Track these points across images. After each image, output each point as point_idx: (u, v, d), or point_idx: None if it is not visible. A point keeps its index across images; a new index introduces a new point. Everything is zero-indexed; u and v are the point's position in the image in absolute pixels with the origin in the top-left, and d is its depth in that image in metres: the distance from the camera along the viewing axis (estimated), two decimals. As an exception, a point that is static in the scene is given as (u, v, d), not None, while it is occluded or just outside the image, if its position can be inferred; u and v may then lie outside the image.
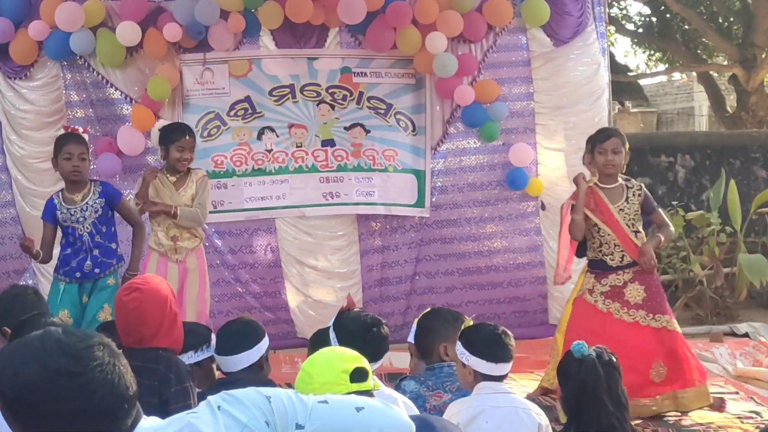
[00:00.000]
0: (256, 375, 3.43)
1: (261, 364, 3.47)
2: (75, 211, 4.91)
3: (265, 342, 3.51)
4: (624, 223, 4.91)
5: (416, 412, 3.12)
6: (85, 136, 5.16)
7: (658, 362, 4.85)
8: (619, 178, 5.03)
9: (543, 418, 3.15)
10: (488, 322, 3.44)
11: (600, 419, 2.84)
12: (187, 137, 5.36)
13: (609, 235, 4.90)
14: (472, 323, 3.34)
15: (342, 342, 3.15)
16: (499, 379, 3.21)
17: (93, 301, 4.92)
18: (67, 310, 4.89)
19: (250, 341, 3.46)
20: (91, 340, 1.57)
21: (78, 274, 4.94)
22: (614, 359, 2.95)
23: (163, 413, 2.68)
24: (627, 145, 5.04)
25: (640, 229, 4.98)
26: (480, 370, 3.18)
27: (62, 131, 5.27)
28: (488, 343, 3.21)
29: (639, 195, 4.99)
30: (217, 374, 3.68)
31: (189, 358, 3.49)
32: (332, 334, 3.27)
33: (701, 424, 4.80)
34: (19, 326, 3.04)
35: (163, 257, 5.32)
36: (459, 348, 3.25)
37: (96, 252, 4.96)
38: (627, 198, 4.96)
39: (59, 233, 5.12)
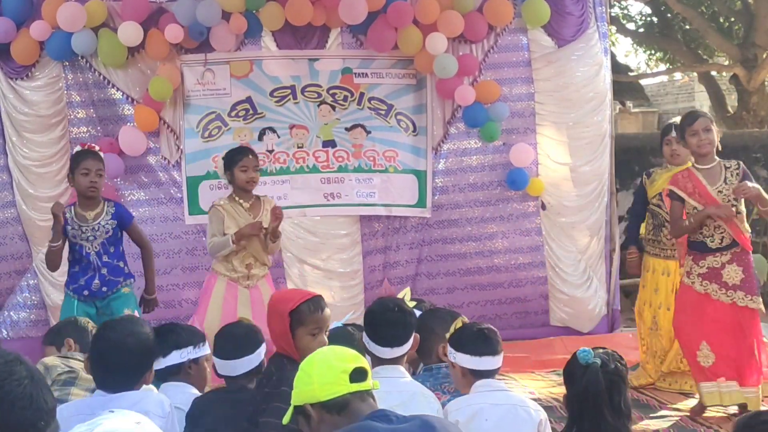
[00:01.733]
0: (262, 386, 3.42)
1: (261, 368, 3.44)
2: (86, 229, 4.87)
3: (263, 347, 3.49)
4: (724, 203, 4.85)
5: (438, 406, 3.15)
6: (101, 154, 5.10)
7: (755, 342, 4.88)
8: (716, 158, 4.96)
9: (542, 413, 3.17)
10: (476, 323, 3.48)
11: (600, 427, 2.85)
12: (250, 156, 5.21)
13: (711, 219, 4.85)
14: (461, 325, 3.35)
15: (365, 323, 3.24)
16: (490, 374, 3.21)
17: (115, 309, 4.86)
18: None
19: (252, 346, 3.45)
20: (10, 356, 1.68)
21: (86, 293, 4.90)
22: (621, 367, 2.93)
23: None
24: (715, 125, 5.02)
25: (742, 209, 4.92)
26: (466, 366, 3.19)
27: (77, 150, 5.18)
28: (471, 339, 3.23)
29: (737, 174, 4.93)
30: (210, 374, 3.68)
31: (188, 353, 3.49)
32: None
33: (702, 425, 4.80)
34: (106, 325, 3.09)
35: (233, 282, 5.20)
36: (448, 349, 3.28)
37: (104, 271, 4.92)
38: (725, 178, 4.91)
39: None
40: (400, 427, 2.18)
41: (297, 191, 6.56)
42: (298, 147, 6.58)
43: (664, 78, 22.07)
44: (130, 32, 6.08)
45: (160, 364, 3.50)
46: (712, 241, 4.87)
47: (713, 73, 16.23)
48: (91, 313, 4.83)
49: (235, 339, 3.45)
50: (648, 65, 20.08)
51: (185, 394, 3.37)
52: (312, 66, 6.55)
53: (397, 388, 3.11)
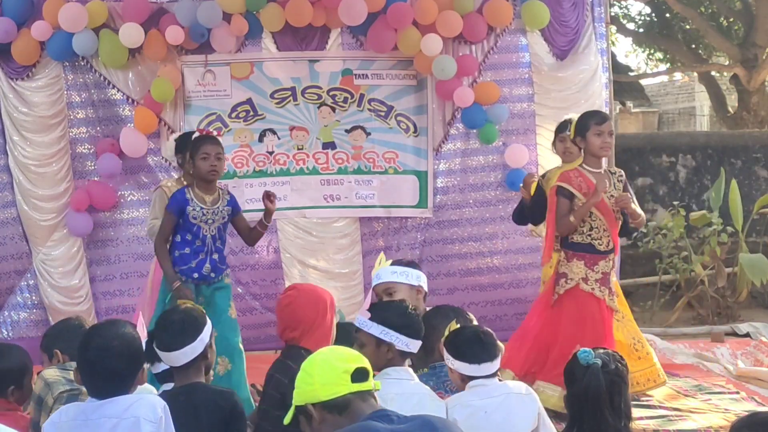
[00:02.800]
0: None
1: (206, 353, 3.26)
2: (207, 212, 4.81)
3: (208, 328, 3.28)
4: (612, 209, 4.86)
5: (443, 406, 3.15)
6: (219, 138, 5.06)
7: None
8: (603, 164, 4.97)
9: (535, 396, 3.25)
10: (471, 325, 3.49)
11: (600, 428, 2.86)
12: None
13: (600, 220, 4.83)
14: (456, 326, 3.36)
15: (385, 322, 3.24)
16: (489, 377, 3.24)
17: (219, 302, 4.80)
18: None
19: (193, 332, 3.22)
20: None
21: (195, 275, 4.80)
22: (621, 367, 2.94)
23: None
24: None
25: (620, 216, 4.94)
26: (465, 373, 3.22)
27: (195, 136, 5.10)
28: (469, 345, 3.24)
29: (621, 182, 4.95)
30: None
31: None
32: (370, 325, 3.30)
33: (702, 425, 4.80)
34: (90, 332, 3.03)
35: None
36: (444, 353, 3.31)
37: (215, 256, 4.86)
38: (613, 184, 4.91)
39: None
40: (401, 427, 2.19)
41: (297, 193, 6.57)
42: (298, 149, 6.59)
43: (665, 78, 22.09)
44: (131, 33, 6.09)
45: (161, 367, 3.49)
46: (601, 244, 4.84)
47: (713, 73, 16.24)
48: (193, 297, 4.65)
49: (173, 326, 3.22)
50: (647, 65, 20.07)
51: None
52: (312, 67, 6.56)
53: (408, 390, 3.13)
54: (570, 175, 4.87)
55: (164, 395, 3.15)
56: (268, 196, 4.93)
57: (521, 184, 5.62)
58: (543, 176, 5.58)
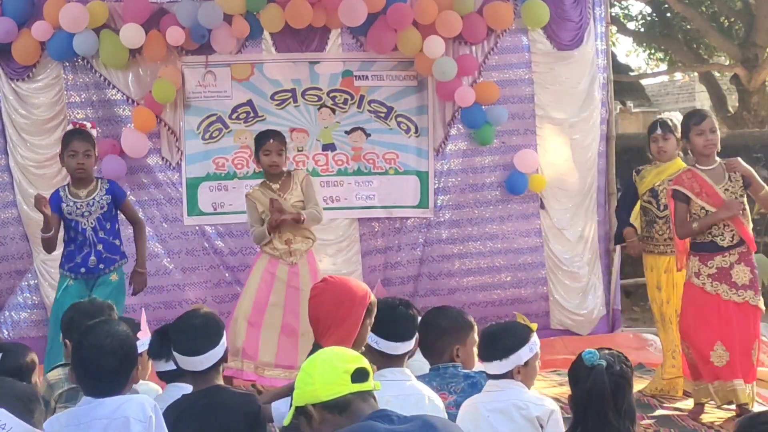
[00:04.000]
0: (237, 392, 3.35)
1: (225, 357, 3.26)
2: (81, 205, 4.89)
3: (225, 335, 3.27)
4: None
5: (442, 407, 3.15)
6: (93, 132, 5.15)
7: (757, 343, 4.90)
8: (717, 158, 4.98)
9: (539, 410, 3.12)
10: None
11: (603, 429, 2.85)
12: (272, 140, 5.35)
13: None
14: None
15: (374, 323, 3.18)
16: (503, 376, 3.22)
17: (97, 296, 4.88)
18: None
19: (216, 337, 3.21)
20: None
21: (83, 270, 4.91)
22: (626, 368, 2.93)
23: None
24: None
25: (746, 205, 4.96)
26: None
27: (67, 129, 5.24)
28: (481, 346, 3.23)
29: (737, 171, 4.98)
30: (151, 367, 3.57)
31: None
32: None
33: (704, 424, 4.80)
34: (83, 332, 3.02)
35: (274, 259, 5.34)
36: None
37: (100, 247, 4.93)
38: (729, 177, 4.94)
39: (61, 230, 5.08)
40: (402, 427, 2.19)
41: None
42: (298, 150, 6.59)
43: (665, 78, 22.09)
44: (131, 34, 6.09)
45: (164, 366, 3.49)
46: (723, 240, 4.85)
47: (714, 73, 16.24)
48: (83, 296, 4.69)
49: (196, 331, 3.18)
50: (648, 65, 20.07)
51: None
52: (312, 69, 6.56)
53: (404, 392, 3.12)
54: (683, 177, 4.95)
55: (184, 398, 3.16)
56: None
57: (625, 243, 5.63)
58: (637, 171, 5.60)
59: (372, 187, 6.66)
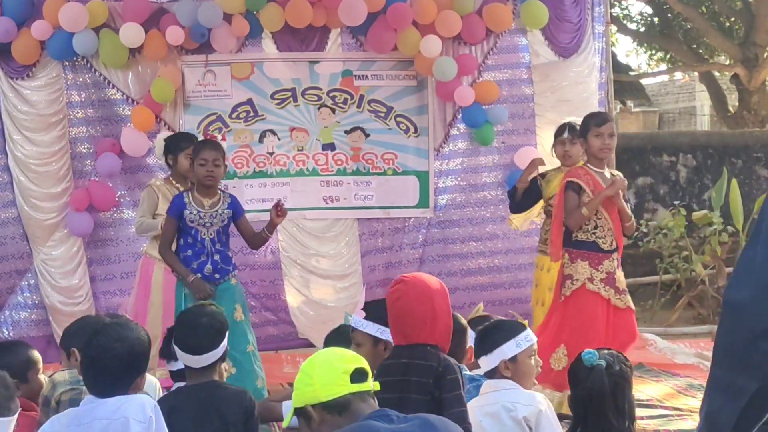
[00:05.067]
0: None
1: (224, 357, 3.30)
2: (204, 215, 4.87)
3: (227, 334, 3.30)
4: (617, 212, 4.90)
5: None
6: (223, 144, 5.13)
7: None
8: (606, 168, 4.99)
9: (525, 411, 3.11)
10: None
11: (603, 429, 2.85)
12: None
13: (605, 218, 4.86)
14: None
15: (381, 321, 3.18)
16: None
17: (224, 304, 4.65)
18: None
19: (220, 336, 3.25)
20: None
21: (198, 275, 4.85)
22: (625, 368, 2.93)
23: (438, 408, 2.77)
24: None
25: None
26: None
27: (199, 140, 5.17)
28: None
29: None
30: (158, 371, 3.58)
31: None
32: (365, 324, 3.24)
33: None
34: (96, 331, 3.02)
35: (169, 272, 5.21)
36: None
37: (217, 257, 4.91)
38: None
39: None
40: (401, 426, 2.19)
41: (297, 194, 6.57)
42: (298, 150, 6.59)
43: (665, 77, 22.10)
44: (131, 33, 6.09)
45: (172, 367, 3.50)
46: (605, 243, 4.84)
47: (714, 72, 16.24)
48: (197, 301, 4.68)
49: (201, 330, 3.22)
50: (648, 65, 20.08)
51: None
52: (312, 68, 6.56)
53: None
54: (579, 171, 4.91)
55: (181, 391, 3.19)
56: (278, 208, 4.93)
57: (519, 167, 5.65)
58: (542, 176, 5.60)
59: (370, 188, 6.65)
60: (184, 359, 3.22)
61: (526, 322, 3.32)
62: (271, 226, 5.04)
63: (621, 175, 5.02)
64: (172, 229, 4.89)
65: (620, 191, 4.85)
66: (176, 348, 3.24)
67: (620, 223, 4.89)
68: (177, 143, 5.40)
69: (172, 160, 5.39)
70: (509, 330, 3.25)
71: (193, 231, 4.88)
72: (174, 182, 5.42)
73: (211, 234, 4.90)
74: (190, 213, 4.86)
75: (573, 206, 4.83)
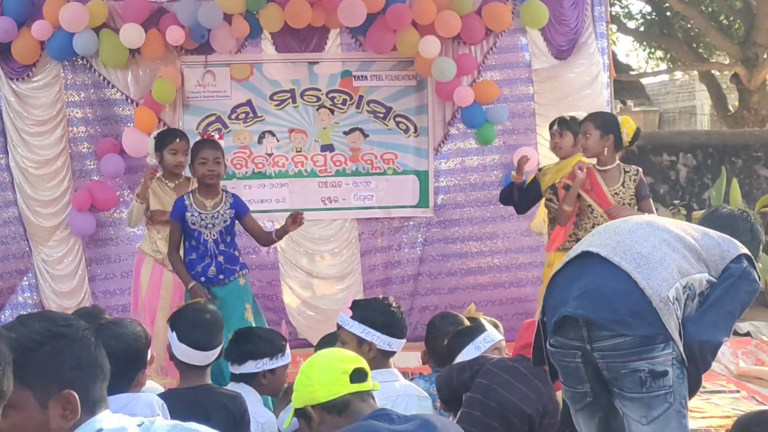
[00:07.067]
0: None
1: (221, 356, 3.35)
2: (205, 216, 4.87)
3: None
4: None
5: (430, 406, 3.15)
6: (221, 142, 5.15)
7: None
8: (617, 161, 5.07)
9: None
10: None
11: None
12: (179, 140, 5.33)
13: (602, 217, 4.89)
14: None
15: (366, 321, 3.20)
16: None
17: (233, 305, 4.82)
18: None
19: (222, 335, 3.32)
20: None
21: (203, 279, 4.87)
22: None
23: None
24: (605, 129, 5.04)
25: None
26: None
27: (196, 140, 5.20)
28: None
29: (635, 180, 5.04)
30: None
31: (264, 364, 3.50)
32: (351, 323, 3.26)
33: (702, 425, 4.80)
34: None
35: (159, 265, 5.29)
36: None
37: (221, 258, 4.90)
38: (623, 182, 5.01)
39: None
40: (401, 426, 2.19)
41: (295, 195, 6.58)
42: (297, 151, 6.59)
43: (665, 77, 22.09)
44: (131, 33, 6.08)
45: (235, 370, 3.52)
46: None
47: (714, 72, 16.24)
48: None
49: (208, 326, 3.27)
50: (648, 64, 20.07)
51: (251, 398, 3.37)
52: (311, 69, 6.56)
53: (395, 393, 3.11)
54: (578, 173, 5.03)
55: (172, 393, 3.18)
56: (295, 219, 4.93)
57: (515, 166, 5.74)
58: (540, 170, 5.68)
59: (370, 188, 6.66)
60: (190, 356, 3.22)
61: (498, 323, 3.40)
62: (282, 232, 5.03)
63: (638, 169, 5.11)
64: (177, 233, 4.90)
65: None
66: (182, 345, 3.23)
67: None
68: (162, 139, 5.40)
69: (159, 157, 5.39)
70: (468, 335, 3.36)
71: (195, 233, 4.88)
72: (164, 180, 5.40)
73: (213, 235, 4.89)
74: (192, 215, 4.86)
75: (570, 204, 5.02)
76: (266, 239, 5.17)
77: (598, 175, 4.96)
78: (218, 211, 4.89)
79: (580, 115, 5.45)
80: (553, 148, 5.58)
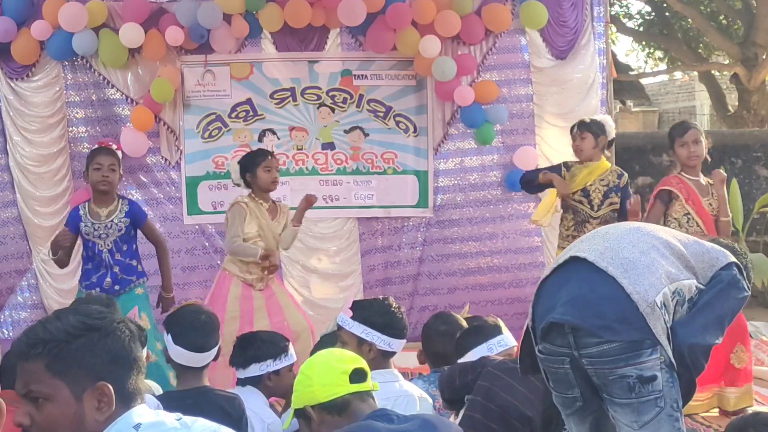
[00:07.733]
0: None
1: (217, 356, 3.36)
2: (99, 227, 4.87)
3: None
4: (711, 214, 5.02)
5: (430, 407, 3.15)
6: (119, 152, 5.11)
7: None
8: (701, 174, 5.14)
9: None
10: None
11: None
12: (270, 157, 5.23)
13: (699, 226, 4.93)
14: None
15: (367, 322, 3.20)
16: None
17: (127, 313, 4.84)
18: None
19: (217, 335, 3.31)
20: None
21: (97, 290, 4.86)
22: None
23: None
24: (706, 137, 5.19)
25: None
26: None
27: (93, 148, 5.18)
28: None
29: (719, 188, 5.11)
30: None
31: (267, 366, 3.50)
32: (351, 323, 3.26)
33: (701, 424, 4.80)
34: None
35: (247, 286, 5.15)
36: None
37: (116, 269, 4.90)
38: (712, 194, 5.08)
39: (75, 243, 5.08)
40: (401, 426, 2.19)
41: (296, 193, 6.55)
42: (298, 149, 6.60)
43: (665, 77, 22.09)
44: (131, 33, 6.09)
45: (240, 374, 3.52)
46: None
47: (714, 72, 16.23)
48: None
49: (205, 326, 3.28)
50: (648, 64, 20.07)
51: (257, 400, 3.38)
52: (311, 68, 6.56)
53: (395, 393, 3.12)
54: (671, 181, 5.12)
55: (169, 396, 3.17)
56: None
57: (543, 173, 5.69)
58: (567, 166, 5.65)
59: (370, 187, 6.66)
60: (186, 358, 3.22)
61: (502, 325, 3.38)
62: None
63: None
64: (68, 242, 4.90)
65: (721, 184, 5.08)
66: (178, 347, 3.23)
67: (713, 229, 4.96)
68: (253, 159, 5.23)
69: (251, 177, 5.19)
70: (483, 334, 3.31)
71: (90, 244, 4.90)
72: (257, 198, 5.20)
73: (108, 245, 4.89)
74: (85, 225, 4.87)
75: (655, 217, 5.00)
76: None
77: (690, 183, 5.05)
78: (112, 221, 4.87)
79: (602, 118, 5.51)
80: (575, 151, 5.60)
